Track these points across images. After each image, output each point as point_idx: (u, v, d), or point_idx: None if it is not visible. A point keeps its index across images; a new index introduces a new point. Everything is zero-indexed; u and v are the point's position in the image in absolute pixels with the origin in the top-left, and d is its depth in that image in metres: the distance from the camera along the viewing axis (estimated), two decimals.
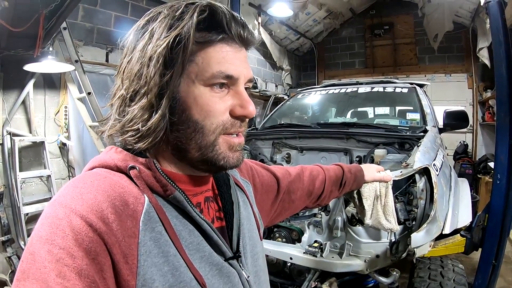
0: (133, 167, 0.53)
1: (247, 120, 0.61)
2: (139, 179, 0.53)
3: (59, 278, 0.41)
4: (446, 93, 5.93)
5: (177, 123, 0.54)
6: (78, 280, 0.41)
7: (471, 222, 2.58)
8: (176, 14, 0.52)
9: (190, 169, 0.59)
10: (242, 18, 0.58)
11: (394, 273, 1.79)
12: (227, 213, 0.66)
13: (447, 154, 5.72)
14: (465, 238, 2.60)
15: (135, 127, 0.53)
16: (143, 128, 0.53)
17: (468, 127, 5.91)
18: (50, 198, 3.36)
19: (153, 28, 0.53)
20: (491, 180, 4.28)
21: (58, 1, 2.43)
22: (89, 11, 3.75)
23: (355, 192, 1.43)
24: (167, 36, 0.51)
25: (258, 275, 0.69)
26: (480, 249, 2.70)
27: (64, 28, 3.08)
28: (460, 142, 5.64)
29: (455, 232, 2.69)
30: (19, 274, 0.42)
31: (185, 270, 0.52)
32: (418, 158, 1.68)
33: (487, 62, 4.89)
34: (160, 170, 0.54)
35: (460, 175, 5.04)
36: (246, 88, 0.60)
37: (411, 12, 6.45)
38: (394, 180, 1.52)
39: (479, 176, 4.86)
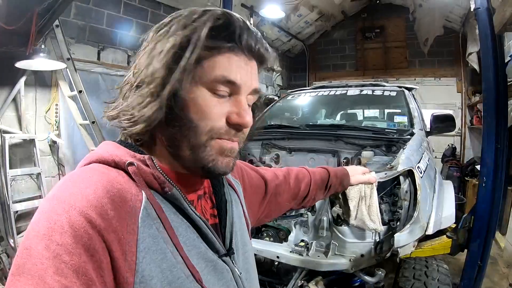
0: (131, 164, 0.53)
1: (244, 130, 0.60)
2: (137, 175, 0.52)
3: (57, 275, 0.40)
4: (435, 97, 6.02)
5: (174, 118, 0.55)
6: (75, 278, 0.41)
7: (457, 224, 2.64)
8: (193, 17, 0.55)
9: (183, 169, 0.59)
10: (257, 32, 0.59)
11: (380, 272, 1.83)
12: (221, 210, 0.67)
13: (435, 157, 5.81)
14: (451, 239, 2.66)
15: (131, 111, 0.55)
16: (137, 113, 0.54)
17: (457, 130, 6.03)
18: (40, 196, 3.36)
19: (170, 26, 0.56)
20: (478, 184, 4.38)
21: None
22: (81, 9, 3.73)
23: (340, 193, 1.46)
24: (179, 34, 0.53)
25: (249, 272, 0.70)
26: (466, 250, 2.76)
27: (57, 26, 3.06)
28: (448, 145, 5.72)
29: (442, 233, 2.75)
30: (14, 269, 0.41)
31: (183, 266, 0.52)
32: (403, 160, 1.73)
33: (476, 67, 4.98)
34: (158, 167, 0.54)
35: (448, 177, 5.13)
36: (253, 102, 0.62)
37: (402, 16, 6.53)
38: (378, 182, 1.57)
39: (466, 179, 4.95)
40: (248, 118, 0.57)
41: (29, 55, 2.80)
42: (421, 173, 1.72)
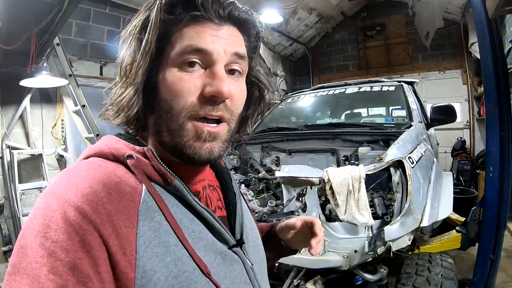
0: (130, 156, 0.51)
1: (228, 104, 0.55)
2: (137, 168, 0.51)
3: (51, 274, 0.39)
4: (441, 90, 5.93)
5: (153, 104, 0.54)
6: (71, 276, 0.40)
7: (466, 217, 2.57)
8: (152, 0, 0.53)
9: (177, 158, 0.56)
10: None
11: (382, 270, 1.80)
12: (230, 202, 0.65)
13: (445, 152, 5.72)
14: (461, 234, 2.59)
15: (112, 101, 0.55)
16: (116, 102, 0.54)
17: (465, 123, 5.92)
18: None
19: (134, 18, 0.55)
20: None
21: (49, 19, 2.53)
22: (82, 26, 3.83)
23: (328, 188, 1.46)
24: (138, 21, 0.53)
25: (260, 266, 0.67)
26: (477, 244, 2.68)
27: (57, 44, 3.16)
28: (457, 139, 5.60)
29: (451, 227, 2.69)
30: (10, 268, 0.41)
31: (188, 259, 0.50)
32: (392, 151, 1.71)
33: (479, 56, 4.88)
34: (158, 159, 0.53)
35: (458, 171, 5.02)
36: (233, 69, 0.56)
37: (402, 12, 6.47)
38: (367, 174, 1.55)
39: (477, 171, 4.83)
40: (224, 86, 0.52)
41: (32, 73, 2.90)
42: (412, 163, 1.69)
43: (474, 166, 4.90)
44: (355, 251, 1.56)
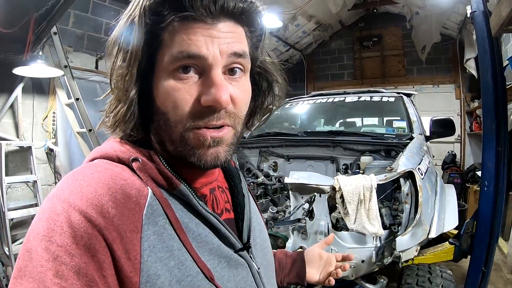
0: (135, 159, 0.50)
1: (229, 110, 0.51)
2: (142, 171, 0.50)
3: (56, 278, 0.39)
4: (434, 104, 6.02)
5: (151, 114, 0.53)
6: (76, 280, 0.40)
7: (459, 230, 2.60)
8: (133, 3, 0.49)
9: (183, 163, 0.54)
10: None
11: (382, 280, 1.78)
12: (239, 204, 0.64)
13: (436, 164, 5.79)
14: (453, 246, 2.61)
15: (108, 115, 0.53)
16: (112, 114, 0.52)
17: (456, 137, 6.02)
18: (36, 204, 3.34)
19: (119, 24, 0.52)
20: (479, 188, 4.34)
21: (49, 5, 2.44)
22: (80, 17, 3.74)
23: (338, 196, 1.43)
24: (121, 26, 0.50)
25: (267, 269, 0.66)
26: (469, 257, 2.71)
27: (55, 33, 3.07)
28: (448, 152, 5.70)
29: (443, 239, 2.71)
30: (15, 272, 0.41)
31: (191, 263, 0.49)
32: (403, 162, 1.69)
33: (474, 72, 5.00)
34: (164, 162, 0.52)
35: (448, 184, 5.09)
36: (234, 68, 0.52)
37: (399, 24, 6.56)
38: (378, 184, 1.53)
39: (467, 185, 4.91)
40: (222, 95, 0.48)
41: (27, 61, 2.80)
42: (421, 174, 1.68)
43: (464, 180, 4.99)
44: (362, 261, 1.53)
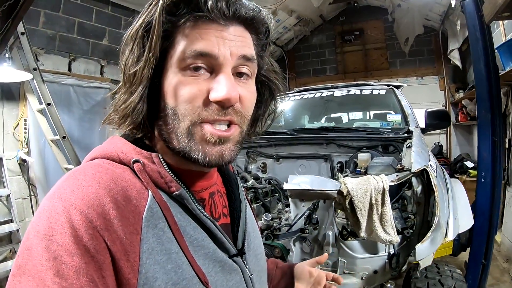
0: (137, 161, 0.51)
1: (236, 108, 0.53)
2: (143, 173, 0.51)
3: (57, 277, 0.39)
4: (418, 96, 6.00)
5: (159, 108, 0.53)
6: (76, 279, 0.40)
7: None
8: (150, 3, 0.52)
9: (186, 162, 0.54)
10: None
11: (389, 285, 1.67)
12: (235, 210, 0.65)
13: None
14: (452, 240, 2.55)
15: (116, 108, 0.54)
16: (120, 108, 0.53)
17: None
18: (11, 220, 3.12)
19: (135, 22, 0.54)
20: (469, 179, 4.35)
21: (12, 0, 2.20)
22: (50, 17, 3.52)
23: (347, 202, 1.29)
24: (139, 21, 0.51)
25: (260, 275, 0.68)
26: (468, 250, 2.67)
27: (22, 33, 2.85)
28: (435, 144, 5.72)
29: None
30: (14, 270, 0.41)
31: (187, 267, 0.50)
32: (415, 159, 1.54)
33: (458, 63, 5.02)
34: (165, 165, 0.53)
35: None
36: (241, 72, 0.54)
37: (381, 18, 6.55)
38: (390, 185, 1.39)
39: (456, 176, 4.92)
40: (231, 92, 0.50)
41: None
42: (434, 171, 1.54)
43: (452, 171, 5.00)
44: (375, 272, 1.39)
